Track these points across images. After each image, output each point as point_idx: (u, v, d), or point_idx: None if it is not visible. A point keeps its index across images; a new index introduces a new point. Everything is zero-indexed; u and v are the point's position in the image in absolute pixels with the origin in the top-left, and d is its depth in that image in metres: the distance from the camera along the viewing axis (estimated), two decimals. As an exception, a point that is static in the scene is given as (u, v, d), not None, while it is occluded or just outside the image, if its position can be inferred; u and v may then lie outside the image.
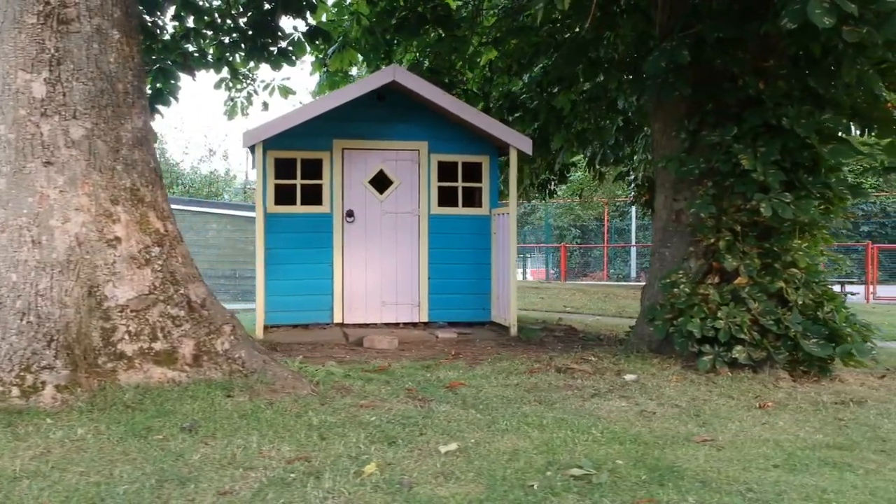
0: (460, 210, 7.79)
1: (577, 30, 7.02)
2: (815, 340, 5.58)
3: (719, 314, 5.64)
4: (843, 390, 5.37)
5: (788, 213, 5.51)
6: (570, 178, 28.01)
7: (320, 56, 9.25)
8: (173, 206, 13.83)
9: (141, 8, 7.43)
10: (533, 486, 2.88)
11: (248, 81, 9.25)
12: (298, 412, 3.83)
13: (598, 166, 11.51)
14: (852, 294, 18.39)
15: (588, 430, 3.80)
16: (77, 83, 3.93)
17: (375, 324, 7.65)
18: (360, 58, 9.52)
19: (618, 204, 29.49)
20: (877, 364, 5.89)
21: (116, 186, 4.06)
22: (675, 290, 5.89)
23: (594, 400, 4.61)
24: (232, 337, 4.28)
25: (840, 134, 5.95)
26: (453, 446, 3.34)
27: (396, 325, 7.69)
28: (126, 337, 4.02)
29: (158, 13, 7.54)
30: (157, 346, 4.09)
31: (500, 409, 4.21)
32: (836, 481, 3.14)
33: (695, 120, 6.12)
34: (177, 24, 7.85)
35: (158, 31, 7.73)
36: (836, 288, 18.71)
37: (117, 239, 4.04)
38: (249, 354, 4.29)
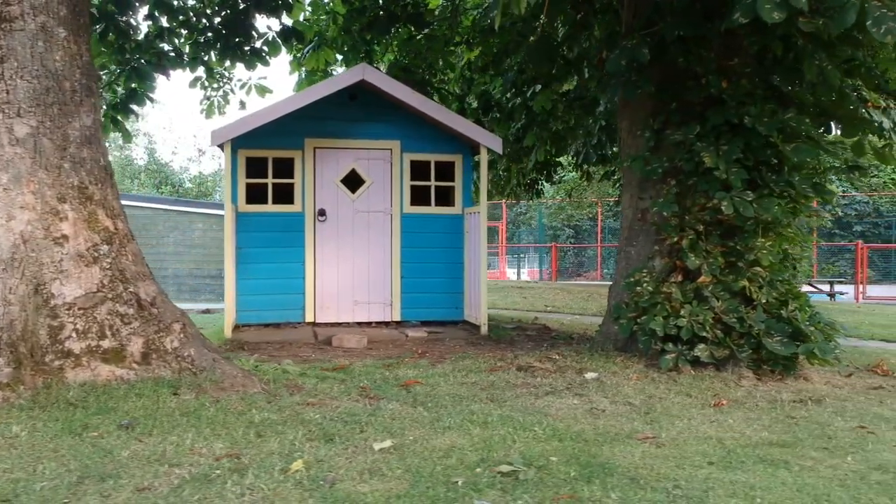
0: (433, 209, 7.80)
1: (544, 29, 7.01)
2: (778, 339, 5.57)
3: (682, 312, 5.64)
4: (806, 389, 5.37)
5: (750, 212, 5.51)
6: (564, 177, 28.06)
7: (298, 55, 9.26)
8: (160, 206, 13.86)
9: (113, 8, 7.45)
10: (457, 482, 2.88)
11: (225, 80, 9.26)
12: (242, 410, 3.83)
13: (582, 166, 11.52)
14: (841, 294, 18.40)
15: (531, 427, 3.80)
16: (21, 81, 3.93)
17: (347, 323, 7.65)
18: (340, 57, 9.54)
19: (611, 204, 29.51)
20: (839, 363, 5.89)
21: (63, 184, 4.06)
22: (639, 288, 5.89)
23: (548, 398, 4.60)
24: (182, 335, 4.28)
25: (812, 133, 5.95)
26: (387, 443, 3.34)
27: (369, 324, 7.69)
28: (74, 335, 4.02)
29: (131, 13, 7.55)
30: (106, 343, 4.08)
31: (449, 406, 4.21)
32: (767, 478, 3.14)
33: (659, 119, 6.12)
34: (150, 23, 7.86)
35: (132, 31, 7.73)
36: (826, 287, 18.73)
37: (64, 237, 4.04)
38: (199, 352, 4.29)
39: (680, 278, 5.90)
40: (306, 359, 5.94)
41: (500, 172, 13.43)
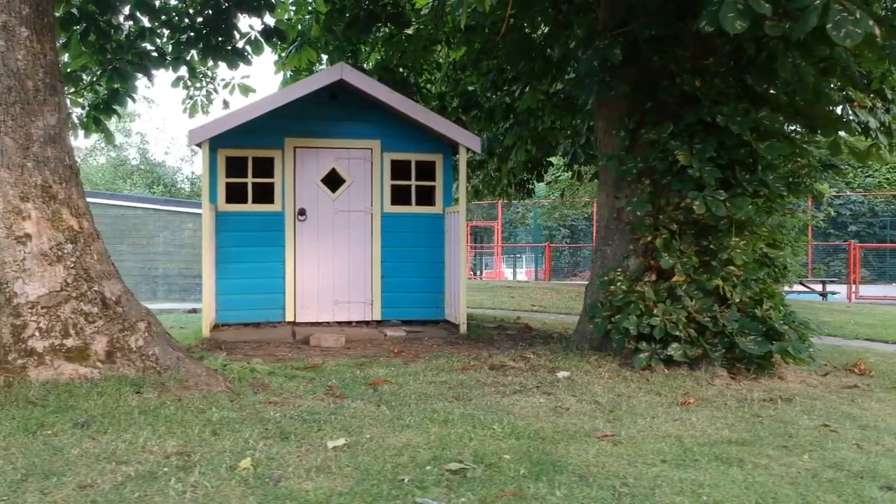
0: (414, 209, 7.80)
1: (515, 28, 7.01)
2: (752, 338, 5.58)
3: (655, 312, 5.64)
4: (778, 388, 5.37)
5: (722, 211, 5.51)
6: (560, 177, 28.05)
7: (283, 55, 9.27)
8: (150, 206, 13.87)
9: (94, 8, 7.46)
10: (404, 480, 2.88)
11: (208, 80, 9.27)
12: (202, 408, 3.84)
13: (572, 166, 11.53)
14: (833, 294, 18.38)
15: (490, 425, 3.81)
16: (-18, 80, 3.94)
17: (328, 322, 7.66)
18: (325, 57, 9.54)
19: (606, 204, 29.42)
20: (813, 362, 5.89)
21: (26, 184, 4.07)
22: (612, 287, 5.90)
23: (514, 396, 4.61)
24: (146, 334, 4.29)
25: (785, 131, 5.95)
26: (341, 441, 3.35)
27: (349, 323, 7.70)
28: (37, 334, 4.03)
29: (112, 13, 7.56)
30: (69, 342, 4.09)
31: (412, 405, 4.22)
32: (718, 476, 3.14)
33: (634, 118, 6.12)
34: (132, 23, 7.87)
35: (113, 31, 7.74)
36: (818, 287, 18.70)
37: (27, 236, 4.05)
38: (164, 351, 4.30)
39: (654, 277, 5.90)
40: (281, 358, 5.95)
41: (492, 172, 13.44)
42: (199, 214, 14.79)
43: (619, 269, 6.03)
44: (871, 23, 4.22)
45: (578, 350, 6.20)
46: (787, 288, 16.68)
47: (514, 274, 30.01)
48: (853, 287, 19.11)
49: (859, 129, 10.60)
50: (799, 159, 6.77)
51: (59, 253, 4.15)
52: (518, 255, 33.03)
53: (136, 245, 14.66)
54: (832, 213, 26.28)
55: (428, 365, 5.57)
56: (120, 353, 4.19)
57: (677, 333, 5.54)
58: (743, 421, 4.27)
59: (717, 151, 5.68)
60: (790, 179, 6.07)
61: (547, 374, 5.40)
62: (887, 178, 26.96)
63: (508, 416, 4.03)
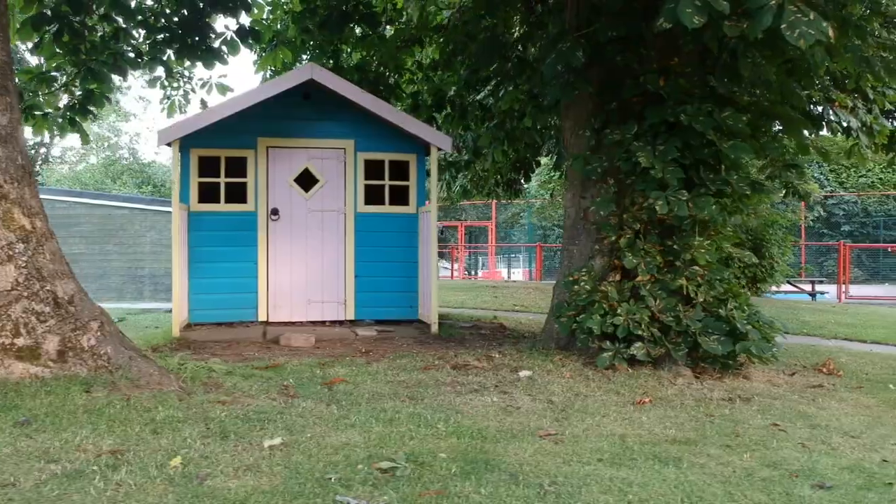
0: (387, 208, 7.81)
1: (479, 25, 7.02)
2: (715, 337, 5.59)
3: (619, 311, 5.65)
4: (741, 387, 5.38)
5: (684, 211, 5.52)
6: (554, 177, 28.00)
7: (262, 55, 9.27)
8: (136, 206, 13.87)
9: (67, 9, 7.47)
10: (331, 478, 2.90)
11: (185, 80, 9.28)
12: (149, 407, 3.85)
13: (559, 165, 11.53)
14: (822, 293, 18.37)
15: (435, 424, 3.82)
16: (-70, 80, 3.96)
17: (301, 322, 7.67)
18: (306, 57, 9.55)
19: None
20: (776, 360, 5.90)
21: (-24, 183, 4.08)
22: (576, 287, 5.91)
23: (469, 396, 4.62)
24: (99, 333, 4.30)
25: (749, 131, 5.94)
26: (278, 441, 3.36)
27: (322, 323, 7.71)
28: (-13, 333, 4.04)
29: (84, 14, 7.56)
30: (20, 341, 4.10)
31: (363, 404, 4.23)
32: (650, 475, 3.16)
33: (600, 118, 6.14)
34: (105, 24, 7.87)
35: (87, 32, 7.75)
36: (807, 287, 18.70)
37: (-23, 235, 4.06)
38: (116, 350, 4.31)
39: (618, 277, 5.91)
40: (247, 357, 5.96)
41: (480, 172, 13.45)
42: (186, 214, 14.81)
43: (585, 269, 6.04)
44: (824, 24, 4.23)
45: (544, 349, 6.21)
46: (774, 287, 16.75)
47: (510, 274, 30.02)
48: (843, 287, 19.11)
49: (840, 129, 10.61)
50: (778, 158, 6.79)
51: (10, 252, 4.16)
52: (513, 255, 33.03)
53: (123, 245, 14.69)
54: (822, 213, 26.27)
55: (390, 364, 5.58)
56: (72, 353, 4.20)
57: (640, 333, 5.55)
58: (694, 420, 4.29)
59: (681, 151, 5.68)
60: (755, 179, 6.07)
61: (509, 373, 5.41)
62: (881, 179, 26.96)
63: (456, 416, 4.04)
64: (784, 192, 15.14)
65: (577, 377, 5.35)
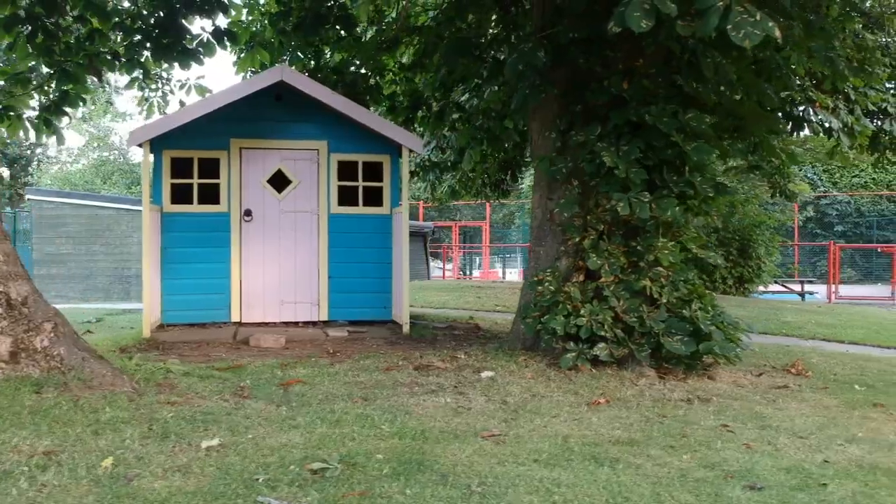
0: (361, 209, 7.83)
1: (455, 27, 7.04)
2: (679, 338, 5.60)
3: (582, 312, 5.66)
4: (703, 388, 5.40)
5: (646, 212, 5.53)
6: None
7: (241, 56, 9.29)
8: (123, 206, 13.87)
9: (41, 10, 7.49)
10: (258, 479, 2.91)
11: (163, 81, 9.30)
12: (96, 408, 3.87)
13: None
14: (811, 294, 18.40)
15: (380, 425, 3.84)
16: None
17: (274, 323, 7.69)
18: (285, 58, 9.56)
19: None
20: (740, 361, 5.90)
21: (-72, 185, 4.10)
22: (540, 288, 5.92)
23: (425, 396, 4.63)
24: (52, 334, 4.32)
25: (711, 132, 5.95)
26: (216, 442, 3.37)
27: (296, 324, 7.73)
28: (-62, 334, 4.06)
29: (58, 15, 7.58)
30: (-28, 343, 4.12)
31: (313, 406, 4.25)
32: (583, 475, 3.17)
33: (565, 120, 6.15)
34: (80, 26, 7.89)
35: (61, 33, 7.76)
36: (797, 287, 18.72)
37: (-72, 237, 4.08)
38: (69, 351, 4.33)
39: (581, 278, 5.93)
40: (213, 358, 5.97)
41: (469, 172, 13.46)
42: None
43: (549, 270, 6.05)
44: (770, 24, 4.24)
45: (511, 350, 6.22)
46: (762, 288, 16.77)
47: (505, 274, 30.02)
48: (832, 287, 19.14)
49: (822, 130, 10.62)
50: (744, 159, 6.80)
51: (-38, 254, 4.18)
52: (509, 255, 33.04)
53: (110, 245, 14.72)
54: (812, 214, 26.28)
55: (353, 365, 5.60)
56: (24, 354, 4.22)
57: (603, 334, 5.57)
58: (644, 421, 4.30)
59: (644, 152, 5.70)
60: (719, 181, 6.08)
61: (471, 374, 5.42)
62: (873, 179, 26.97)
63: (404, 417, 4.06)
64: (771, 192, 15.18)
65: (539, 378, 5.37)
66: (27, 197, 16.65)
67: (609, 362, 5.60)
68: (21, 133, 8.24)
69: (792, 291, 18.22)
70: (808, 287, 18.64)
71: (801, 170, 25.39)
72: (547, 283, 5.92)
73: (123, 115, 36.03)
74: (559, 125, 6.17)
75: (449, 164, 11.82)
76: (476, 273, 31.12)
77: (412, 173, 11.26)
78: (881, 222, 27.11)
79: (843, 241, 25.80)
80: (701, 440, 3.89)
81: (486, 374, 5.42)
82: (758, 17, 4.23)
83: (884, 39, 10.06)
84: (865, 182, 27.19)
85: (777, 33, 4.26)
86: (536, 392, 4.93)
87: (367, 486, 2.88)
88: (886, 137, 11.31)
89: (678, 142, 5.67)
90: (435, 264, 27.96)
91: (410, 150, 7.38)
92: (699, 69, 5.90)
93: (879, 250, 24.88)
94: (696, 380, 5.64)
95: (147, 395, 4.27)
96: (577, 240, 5.92)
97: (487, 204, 30.03)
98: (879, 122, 11.12)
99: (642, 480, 3.15)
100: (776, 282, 17.63)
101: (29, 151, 33.07)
